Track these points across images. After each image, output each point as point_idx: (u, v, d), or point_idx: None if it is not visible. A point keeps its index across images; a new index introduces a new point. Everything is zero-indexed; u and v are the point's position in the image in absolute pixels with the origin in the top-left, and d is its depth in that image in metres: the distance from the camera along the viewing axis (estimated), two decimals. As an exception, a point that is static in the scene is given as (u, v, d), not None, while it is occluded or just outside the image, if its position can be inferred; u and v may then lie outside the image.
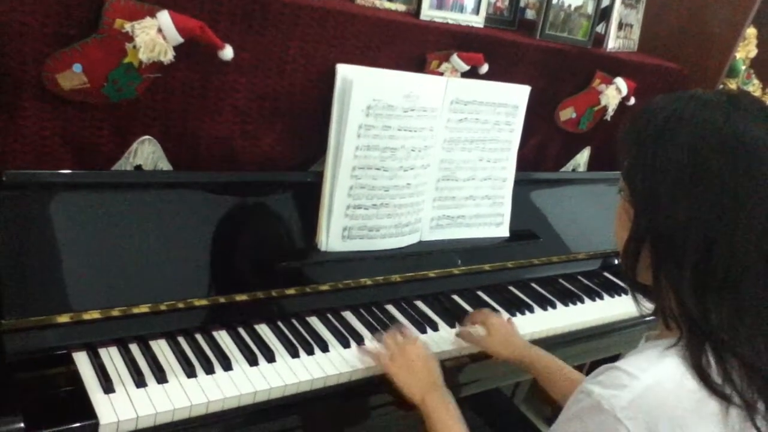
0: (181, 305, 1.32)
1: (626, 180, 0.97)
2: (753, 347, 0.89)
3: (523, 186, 1.89)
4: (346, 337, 1.44)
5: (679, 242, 0.89)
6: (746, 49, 2.48)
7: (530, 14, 2.07)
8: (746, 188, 0.87)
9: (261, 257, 1.44)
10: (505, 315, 1.67)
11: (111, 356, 1.23)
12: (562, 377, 1.42)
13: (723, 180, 0.87)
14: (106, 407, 1.11)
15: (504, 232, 1.85)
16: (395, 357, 1.35)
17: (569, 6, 1.89)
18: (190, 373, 1.23)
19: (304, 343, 1.39)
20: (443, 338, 1.55)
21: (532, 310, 1.76)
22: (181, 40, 1.22)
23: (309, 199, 1.50)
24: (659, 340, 0.96)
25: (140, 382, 1.18)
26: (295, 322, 1.45)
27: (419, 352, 1.36)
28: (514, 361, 1.50)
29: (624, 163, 0.97)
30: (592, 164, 2.20)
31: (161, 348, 1.28)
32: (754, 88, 2.60)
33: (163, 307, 1.30)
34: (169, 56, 1.21)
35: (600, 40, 2.05)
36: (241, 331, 1.38)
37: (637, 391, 0.86)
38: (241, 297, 1.40)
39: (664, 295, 0.93)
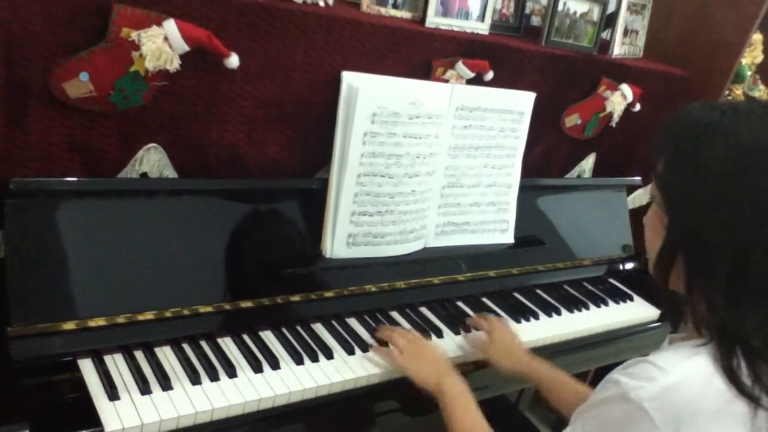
0: (186, 312, 1.32)
1: (661, 187, 0.97)
2: None
3: (528, 192, 1.89)
4: (351, 343, 1.44)
5: (714, 250, 0.90)
6: (752, 55, 2.48)
7: (536, 21, 2.08)
8: None
9: (266, 264, 1.44)
10: (511, 322, 1.67)
11: (116, 363, 1.23)
12: (564, 389, 1.42)
13: (762, 190, 0.88)
14: (111, 414, 1.11)
15: (509, 238, 1.85)
16: (405, 350, 1.38)
17: (575, 12, 1.89)
18: (195, 380, 1.23)
19: (309, 350, 1.39)
20: (448, 345, 1.54)
21: (537, 317, 1.76)
22: (187, 48, 1.22)
23: (314, 205, 1.50)
24: (687, 341, 0.97)
25: (145, 389, 1.18)
26: (299, 328, 1.46)
27: (427, 343, 1.41)
28: (515, 372, 1.49)
29: (658, 169, 0.98)
30: (598, 170, 2.19)
31: (166, 355, 1.28)
32: (761, 93, 2.59)
33: (168, 314, 1.30)
34: (175, 64, 1.22)
35: (605, 46, 2.05)
36: (246, 337, 1.38)
37: (665, 384, 0.88)
38: (246, 303, 1.40)
39: (696, 301, 0.94)
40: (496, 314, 1.70)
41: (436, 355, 1.39)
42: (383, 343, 1.46)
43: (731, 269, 0.89)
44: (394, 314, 1.61)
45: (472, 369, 1.54)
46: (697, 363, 0.90)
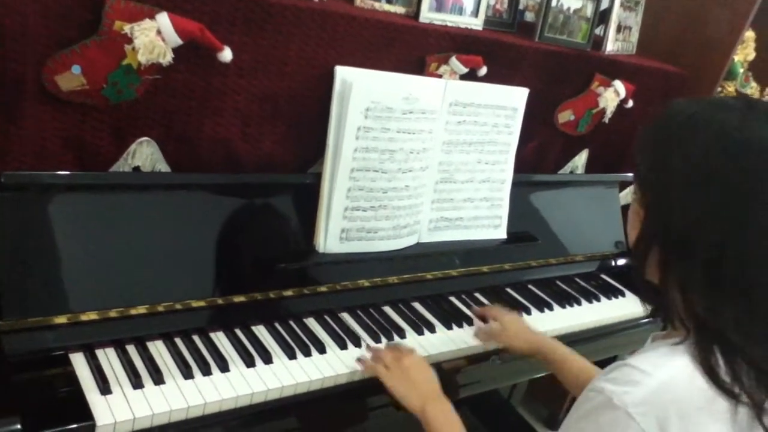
0: (178, 306, 1.32)
1: (638, 181, 0.99)
2: (764, 351, 0.89)
3: (521, 188, 1.89)
4: (344, 338, 1.44)
5: (689, 243, 0.90)
6: (745, 52, 2.49)
7: (529, 17, 2.08)
8: (758, 192, 0.87)
9: (259, 258, 1.44)
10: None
11: (108, 357, 1.23)
12: (576, 367, 1.45)
13: (735, 182, 0.87)
14: (103, 408, 1.11)
15: (502, 234, 1.85)
16: (392, 369, 1.33)
17: (568, 8, 1.89)
18: (187, 374, 1.23)
19: (302, 345, 1.39)
20: (441, 340, 1.55)
21: (529, 312, 1.77)
22: (180, 42, 1.22)
23: (307, 200, 1.50)
24: (667, 339, 0.97)
25: (137, 383, 1.18)
26: (292, 323, 1.46)
27: (415, 361, 1.36)
28: (531, 353, 1.53)
29: (638, 165, 0.98)
30: (591, 167, 2.20)
31: (158, 349, 1.28)
32: (753, 91, 2.60)
33: (160, 309, 1.30)
34: (168, 58, 1.21)
35: (599, 42, 2.05)
36: (239, 332, 1.38)
37: (650, 388, 0.87)
38: (239, 298, 1.40)
39: (671, 295, 0.94)
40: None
41: (422, 378, 1.33)
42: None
43: (705, 264, 0.89)
44: (387, 309, 1.61)
45: (464, 365, 1.55)
46: (678, 363, 0.89)
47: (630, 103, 2.05)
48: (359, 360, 1.39)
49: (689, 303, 0.91)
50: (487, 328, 1.58)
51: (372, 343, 1.46)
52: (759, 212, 0.87)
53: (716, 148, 0.89)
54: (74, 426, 1.06)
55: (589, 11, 1.93)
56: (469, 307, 1.70)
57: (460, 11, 1.68)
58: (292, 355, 1.36)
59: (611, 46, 2.06)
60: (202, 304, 1.35)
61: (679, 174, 0.91)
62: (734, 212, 0.87)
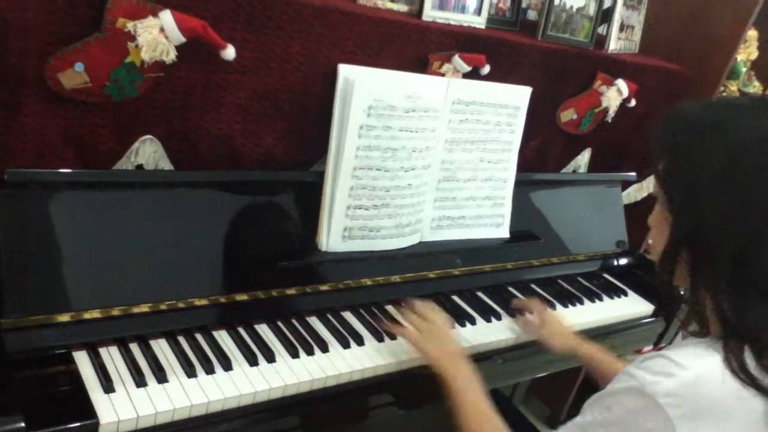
0: (181, 305, 1.32)
1: (663, 186, 0.99)
2: None
3: (523, 187, 1.89)
4: (346, 337, 1.44)
5: (717, 246, 0.91)
6: (747, 51, 2.49)
7: (532, 15, 2.07)
8: None
9: (261, 257, 1.44)
10: (505, 317, 1.68)
11: (111, 356, 1.23)
12: (612, 370, 1.45)
13: (762, 184, 0.88)
14: (106, 407, 1.11)
15: (504, 233, 1.85)
16: (418, 327, 1.39)
17: (571, 7, 1.89)
18: (191, 373, 1.23)
19: (304, 344, 1.39)
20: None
21: (531, 312, 1.76)
22: (183, 39, 1.21)
23: (310, 199, 1.50)
24: (703, 338, 0.98)
25: (140, 381, 1.18)
26: (295, 322, 1.45)
27: (439, 321, 1.42)
28: (565, 351, 1.56)
29: (658, 169, 0.99)
30: (593, 166, 2.19)
31: (161, 348, 1.28)
32: (755, 90, 2.60)
33: (163, 307, 1.30)
34: (171, 56, 1.21)
35: (601, 41, 2.05)
36: (242, 330, 1.38)
37: (683, 381, 0.88)
38: (242, 297, 1.40)
39: (702, 298, 0.95)
40: (491, 308, 1.70)
41: (447, 336, 1.39)
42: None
43: (734, 265, 0.90)
44: (390, 308, 1.61)
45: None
46: (713, 361, 0.91)
47: (633, 102, 2.05)
48: (387, 324, 1.45)
49: (718, 304, 0.92)
50: (526, 319, 1.63)
51: (375, 343, 1.46)
52: None
53: (743, 150, 0.89)
54: (77, 424, 1.06)
55: (591, 10, 1.93)
56: (472, 305, 1.70)
57: (463, 9, 1.68)
58: (294, 354, 1.36)
59: (614, 44, 2.06)
60: (204, 302, 1.35)
61: (705, 176, 0.91)
62: (762, 213, 0.88)
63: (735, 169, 0.89)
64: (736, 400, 0.88)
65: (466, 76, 1.67)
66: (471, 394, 1.25)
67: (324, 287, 1.52)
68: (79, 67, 1.18)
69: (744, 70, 2.50)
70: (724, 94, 2.40)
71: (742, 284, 0.90)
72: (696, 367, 0.90)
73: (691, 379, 0.88)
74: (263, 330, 1.40)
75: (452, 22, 1.65)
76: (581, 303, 1.89)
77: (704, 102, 0.98)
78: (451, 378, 1.28)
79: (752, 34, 2.45)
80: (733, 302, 0.91)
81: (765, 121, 0.90)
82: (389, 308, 1.60)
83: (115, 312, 1.25)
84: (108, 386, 1.14)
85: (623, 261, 2.15)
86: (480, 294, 1.77)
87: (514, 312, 1.68)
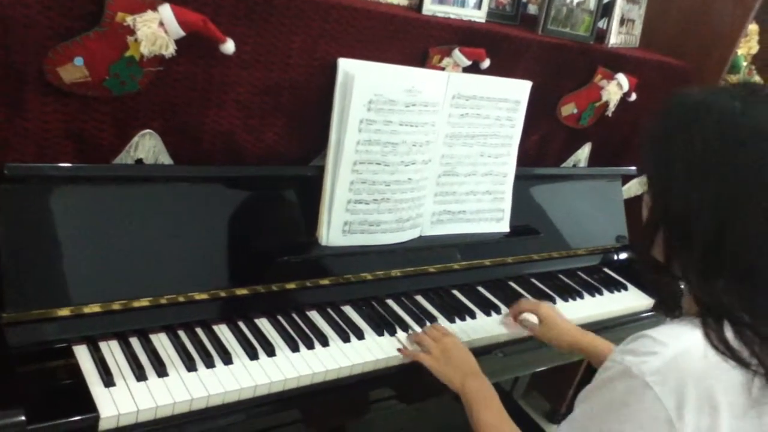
0: (181, 299, 1.32)
1: (645, 169, 1.02)
2: None
3: (523, 181, 1.89)
4: (346, 331, 1.44)
5: (690, 227, 0.93)
6: (748, 46, 2.48)
7: (532, 9, 2.07)
8: (758, 175, 0.89)
9: (262, 251, 1.44)
10: (505, 311, 1.68)
11: (111, 350, 1.23)
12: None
13: (736, 166, 0.90)
14: (107, 400, 1.11)
15: (504, 227, 1.85)
16: (432, 351, 1.40)
17: (571, 1, 1.88)
18: (191, 366, 1.23)
19: (304, 338, 1.39)
20: (443, 333, 1.55)
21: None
22: (182, 33, 1.21)
23: (310, 193, 1.50)
24: (684, 317, 0.99)
25: (141, 375, 1.18)
26: (295, 316, 1.46)
27: (453, 342, 1.42)
28: (568, 346, 1.56)
29: (643, 155, 1.02)
30: (593, 160, 2.19)
31: (162, 342, 1.28)
32: (756, 84, 2.59)
33: (163, 301, 1.30)
34: (170, 50, 1.21)
35: (602, 35, 2.04)
36: (242, 325, 1.38)
37: (667, 358, 0.89)
38: (242, 291, 1.40)
39: (676, 278, 0.98)
40: (491, 302, 1.70)
41: (461, 357, 1.39)
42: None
43: (706, 246, 0.92)
44: (390, 302, 1.61)
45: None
46: (695, 335, 0.92)
47: (633, 97, 2.05)
48: (401, 351, 1.43)
49: (690, 284, 0.95)
50: (525, 318, 1.63)
51: (375, 337, 1.46)
52: (759, 195, 0.89)
53: (717, 131, 0.91)
54: (78, 418, 1.06)
55: (592, 4, 1.92)
56: (471, 299, 1.70)
57: (463, 3, 1.67)
58: (295, 348, 1.36)
59: (614, 39, 2.05)
60: (205, 296, 1.35)
61: (680, 161, 0.94)
62: (734, 196, 0.90)
63: (709, 150, 0.91)
64: (721, 371, 0.89)
65: (466, 70, 1.67)
66: (484, 410, 1.26)
67: (324, 281, 1.52)
68: (78, 61, 1.17)
69: (744, 64, 2.49)
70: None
71: (715, 265, 0.92)
72: (677, 343, 0.90)
73: (672, 355, 0.89)
74: (263, 324, 1.41)
75: (452, 16, 1.65)
76: (581, 297, 1.89)
77: (690, 89, 1.00)
78: (463, 394, 1.30)
79: (753, 28, 2.44)
80: (704, 282, 0.93)
81: (744, 106, 0.91)
82: (389, 302, 1.61)
83: (115, 306, 1.25)
84: (108, 380, 1.15)
85: (623, 255, 2.15)
86: (480, 288, 1.77)
87: (515, 309, 1.66)
